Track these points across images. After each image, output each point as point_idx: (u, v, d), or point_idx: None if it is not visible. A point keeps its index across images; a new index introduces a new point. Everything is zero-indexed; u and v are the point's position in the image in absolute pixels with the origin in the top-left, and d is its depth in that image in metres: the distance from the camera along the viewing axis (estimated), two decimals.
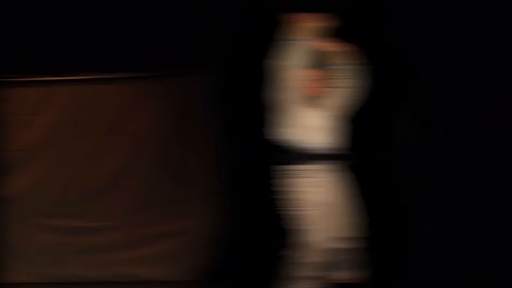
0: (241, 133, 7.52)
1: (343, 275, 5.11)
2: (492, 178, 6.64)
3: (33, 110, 7.95)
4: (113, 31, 7.77)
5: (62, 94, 7.96)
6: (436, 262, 6.67)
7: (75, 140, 7.90)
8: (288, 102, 5.05)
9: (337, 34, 5.12)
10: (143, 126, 7.89)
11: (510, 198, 6.55)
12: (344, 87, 5.11)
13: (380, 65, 5.31)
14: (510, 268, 6.46)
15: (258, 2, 7.30)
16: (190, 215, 7.79)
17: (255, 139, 7.25)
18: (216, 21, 7.62)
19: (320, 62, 5.08)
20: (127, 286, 7.59)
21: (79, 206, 7.84)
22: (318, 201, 4.96)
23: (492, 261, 6.54)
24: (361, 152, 5.46)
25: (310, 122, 5.03)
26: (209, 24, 7.66)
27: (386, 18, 6.76)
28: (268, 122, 5.36)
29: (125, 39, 7.78)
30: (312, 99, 5.05)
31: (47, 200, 7.86)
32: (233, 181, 7.69)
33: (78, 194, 7.87)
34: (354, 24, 6.61)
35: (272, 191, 5.49)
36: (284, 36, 5.12)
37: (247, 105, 7.35)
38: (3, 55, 7.81)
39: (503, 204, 6.58)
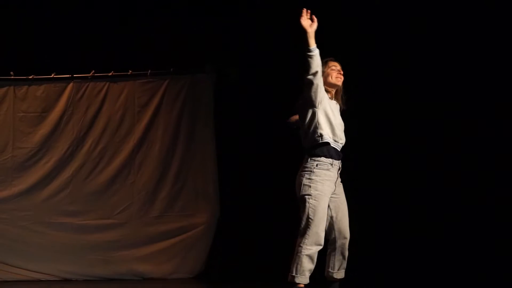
0: (247, 132, 7.52)
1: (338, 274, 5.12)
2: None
3: (42, 108, 8.00)
4: (125, 30, 7.84)
5: (70, 91, 7.99)
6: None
7: (82, 137, 7.95)
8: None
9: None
10: (149, 124, 7.91)
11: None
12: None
13: None
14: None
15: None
16: (196, 213, 7.83)
17: (263, 138, 7.29)
18: (227, 21, 7.64)
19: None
20: (131, 284, 7.59)
21: (85, 204, 7.88)
22: (327, 195, 4.99)
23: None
24: None
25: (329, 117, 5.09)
26: (216, 25, 7.67)
27: None
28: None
29: (133, 37, 7.84)
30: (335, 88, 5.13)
31: (56, 198, 7.92)
32: (237, 179, 7.72)
33: (85, 192, 7.91)
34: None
35: (277, 189, 5.47)
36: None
37: (255, 104, 7.40)
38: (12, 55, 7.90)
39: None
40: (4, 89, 7.98)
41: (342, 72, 5.11)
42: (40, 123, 7.95)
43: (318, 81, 4.90)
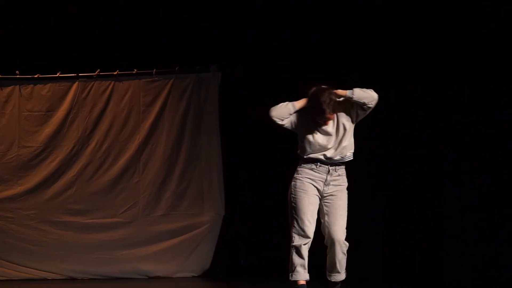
0: (252, 131, 7.52)
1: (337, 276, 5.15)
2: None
3: (47, 107, 8.01)
4: (130, 28, 7.83)
5: (75, 90, 7.99)
6: None
7: (87, 137, 7.96)
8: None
9: None
10: (154, 123, 7.91)
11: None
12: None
13: None
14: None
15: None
16: (201, 212, 7.83)
17: (268, 137, 7.29)
18: (232, 21, 7.63)
19: None
20: (136, 282, 7.62)
21: (91, 202, 7.90)
22: (307, 191, 5.09)
23: None
24: None
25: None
26: (224, 23, 7.67)
27: None
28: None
29: (138, 36, 7.84)
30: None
31: (61, 197, 7.92)
32: (242, 178, 7.73)
33: (90, 191, 7.92)
34: None
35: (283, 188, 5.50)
36: None
37: (260, 103, 7.36)
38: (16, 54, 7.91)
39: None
40: (10, 88, 7.99)
41: (327, 111, 4.98)
42: (45, 122, 7.96)
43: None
